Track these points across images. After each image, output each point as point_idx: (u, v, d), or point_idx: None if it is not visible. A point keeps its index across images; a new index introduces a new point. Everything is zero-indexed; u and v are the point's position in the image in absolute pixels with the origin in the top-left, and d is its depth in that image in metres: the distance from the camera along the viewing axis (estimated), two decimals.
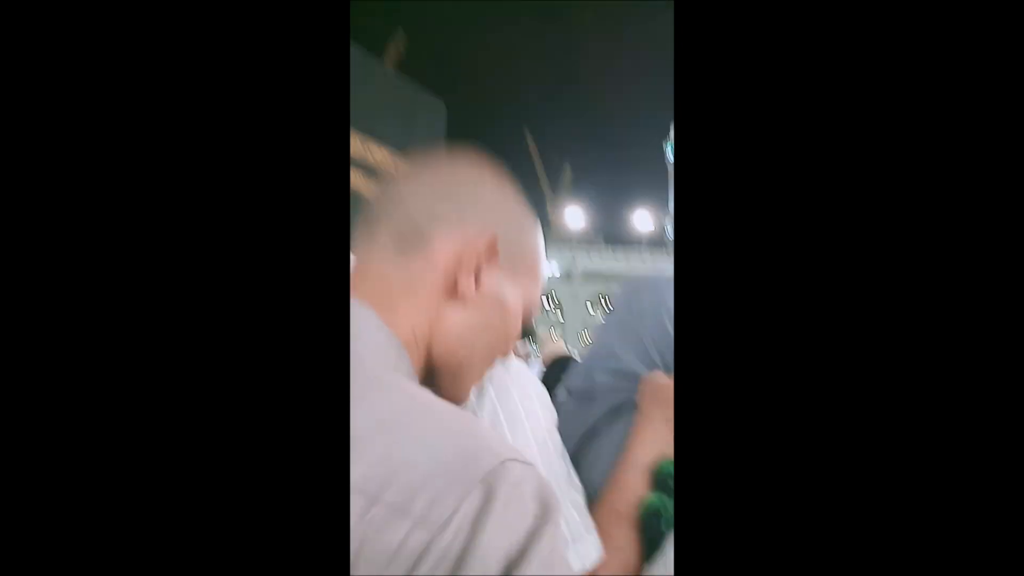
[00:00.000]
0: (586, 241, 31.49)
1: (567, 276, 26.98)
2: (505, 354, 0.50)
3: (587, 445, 0.65)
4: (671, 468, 0.54)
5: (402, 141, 7.67)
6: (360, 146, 7.01)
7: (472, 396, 0.51)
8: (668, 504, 0.54)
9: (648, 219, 30.56)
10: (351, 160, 6.94)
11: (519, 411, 0.55)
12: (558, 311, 27.37)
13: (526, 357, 2.59)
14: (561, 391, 0.73)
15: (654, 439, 0.58)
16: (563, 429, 0.64)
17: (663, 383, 0.62)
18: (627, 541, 0.53)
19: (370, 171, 7.32)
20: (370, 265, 0.44)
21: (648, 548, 0.53)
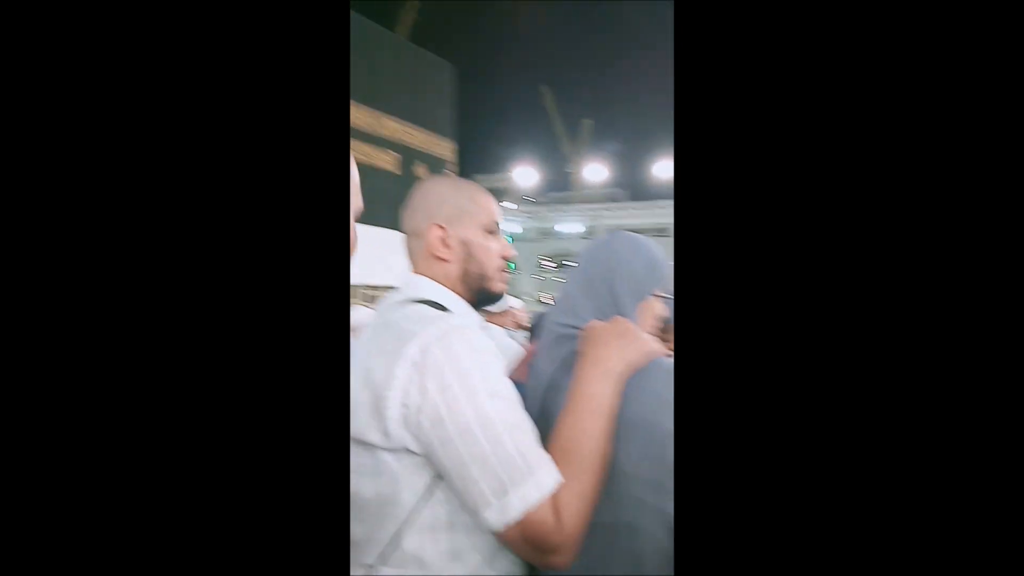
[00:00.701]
0: (610, 198, 30.98)
1: (590, 233, 26.84)
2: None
3: (549, 398, 0.71)
4: None
5: (413, 110, 7.94)
6: (373, 120, 7.33)
7: (416, 357, 0.59)
8: None
9: (669, 169, 29.70)
10: (366, 135, 7.22)
11: (469, 368, 0.59)
12: None
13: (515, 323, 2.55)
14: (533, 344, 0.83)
15: (586, 380, 0.64)
16: (531, 384, 0.73)
17: (595, 328, 0.70)
18: (575, 472, 0.58)
19: (384, 144, 7.64)
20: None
21: None
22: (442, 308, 0.69)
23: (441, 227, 0.74)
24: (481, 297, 0.76)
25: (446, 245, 0.74)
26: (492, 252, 0.76)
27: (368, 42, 7.27)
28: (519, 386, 0.67)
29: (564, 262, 27.71)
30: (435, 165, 8.38)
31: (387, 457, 0.59)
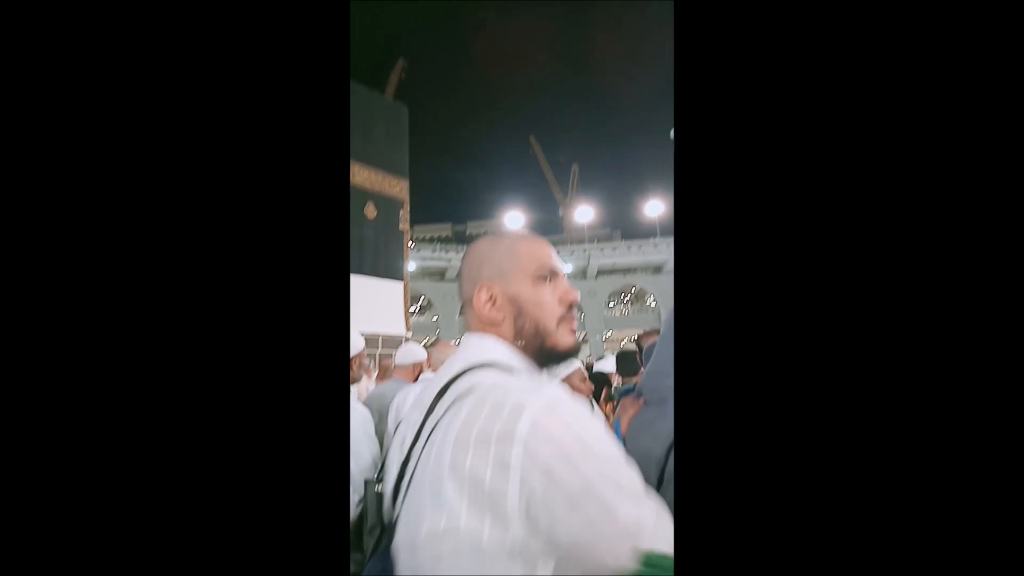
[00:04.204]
0: (603, 238, 31.15)
1: (581, 275, 26.66)
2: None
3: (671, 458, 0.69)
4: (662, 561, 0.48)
5: (362, 150, 7.82)
6: None
7: (529, 435, 0.51)
8: None
9: (660, 208, 29.97)
10: None
11: (590, 441, 0.52)
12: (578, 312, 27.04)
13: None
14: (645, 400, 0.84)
15: None
16: (647, 443, 0.72)
17: None
18: None
19: None
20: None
21: None
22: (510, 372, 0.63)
23: (487, 288, 0.69)
24: (546, 356, 0.68)
25: (494, 305, 0.68)
26: (546, 303, 0.68)
27: None
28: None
29: None
30: (387, 205, 8.16)
31: (504, 558, 0.51)
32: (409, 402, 2.07)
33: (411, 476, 0.56)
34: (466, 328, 0.71)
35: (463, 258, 0.74)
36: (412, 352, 2.38)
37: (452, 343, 2.56)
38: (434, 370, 2.29)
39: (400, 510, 0.56)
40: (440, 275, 26.75)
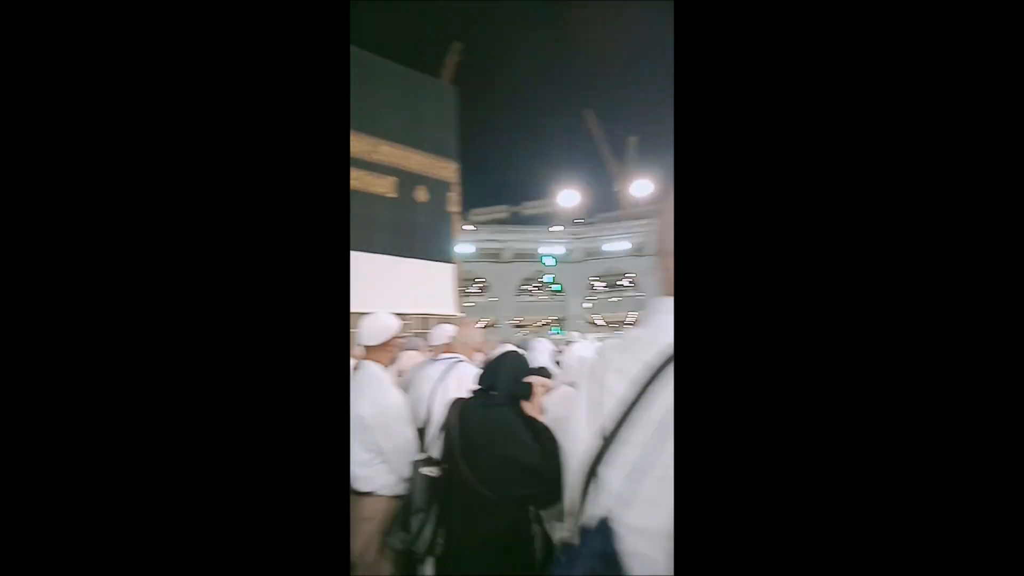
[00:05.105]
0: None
1: (638, 252, 25.83)
2: None
3: None
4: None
5: (413, 134, 7.94)
6: (367, 146, 7.38)
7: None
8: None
9: None
10: (360, 162, 7.27)
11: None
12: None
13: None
14: None
15: None
16: None
17: None
18: None
19: (379, 169, 7.67)
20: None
21: None
22: None
23: None
24: None
25: None
26: None
27: (363, 71, 7.37)
28: None
29: (616, 282, 26.84)
30: (437, 187, 8.27)
31: None
32: (430, 379, 2.06)
33: (639, 452, 0.52)
34: (664, 283, 0.59)
35: (666, 204, 0.59)
36: (446, 332, 2.45)
37: (474, 323, 2.54)
38: (458, 351, 2.23)
39: (627, 488, 0.52)
40: (496, 256, 26.91)
